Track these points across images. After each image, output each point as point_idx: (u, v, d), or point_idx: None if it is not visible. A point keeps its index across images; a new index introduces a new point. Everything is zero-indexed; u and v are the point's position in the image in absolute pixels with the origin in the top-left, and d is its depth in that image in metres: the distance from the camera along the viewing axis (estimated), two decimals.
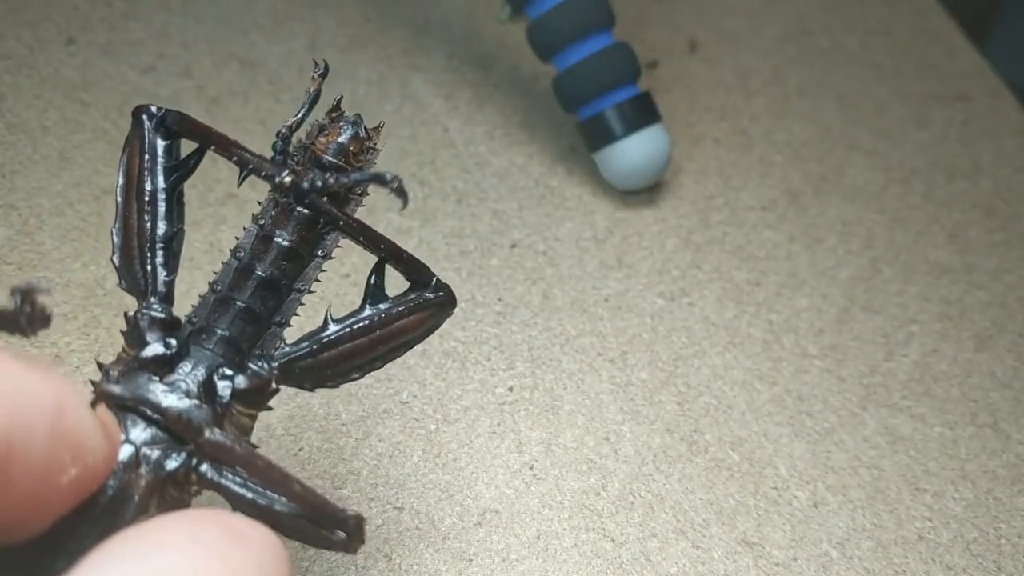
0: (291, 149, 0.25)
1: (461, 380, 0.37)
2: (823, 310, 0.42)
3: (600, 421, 0.37)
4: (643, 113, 0.43)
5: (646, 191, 0.45)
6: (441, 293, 0.26)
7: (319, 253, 0.26)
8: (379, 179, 0.23)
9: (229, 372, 0.23)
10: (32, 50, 0.47)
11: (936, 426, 0.38)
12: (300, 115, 0.25)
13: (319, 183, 0.24)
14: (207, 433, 0.21)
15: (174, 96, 0.46)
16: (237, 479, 0.22)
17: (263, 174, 0.24)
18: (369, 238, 0.25)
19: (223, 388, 0.23)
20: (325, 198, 0.25)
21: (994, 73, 0.53)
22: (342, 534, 0.22)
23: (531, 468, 0.35)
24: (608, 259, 0.42)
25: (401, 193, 0.23)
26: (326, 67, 0.25)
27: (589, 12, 0.43)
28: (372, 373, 0.37)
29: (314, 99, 0.25)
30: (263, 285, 0.25)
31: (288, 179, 0.23)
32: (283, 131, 0.25)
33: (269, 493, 0.22)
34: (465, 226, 0.43)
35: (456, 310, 0.39)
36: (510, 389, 0.37)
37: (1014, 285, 0.44)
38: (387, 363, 0.26)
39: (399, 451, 0.35)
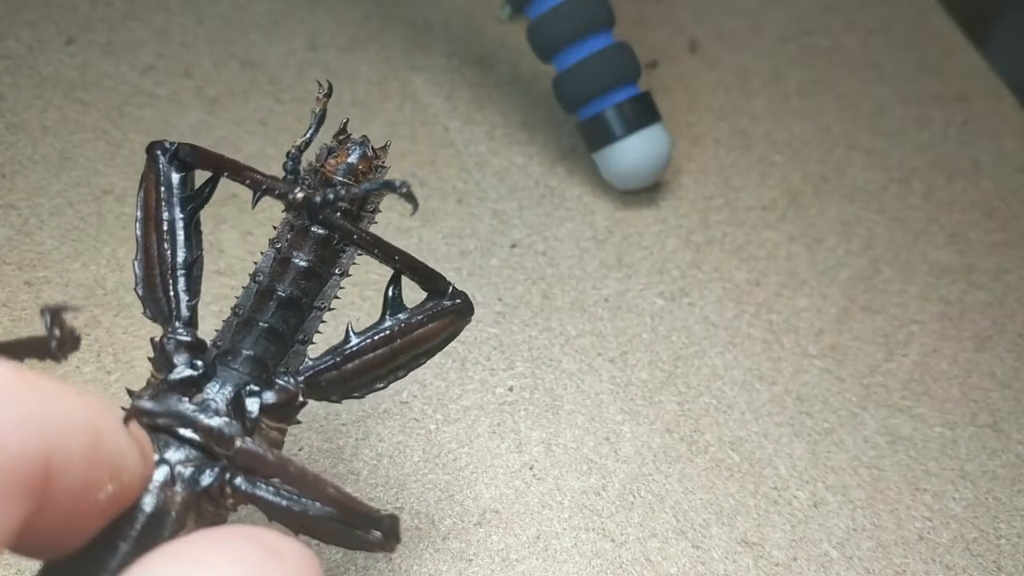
0: (301, 170, 0.26)
1: (461, 380, 0.37)
2: (823, 310, 0.42)
3: (600, 421, 0.37)
4: (643, 113, 0.43)
5: (646, 191, 0.45)
6: (458, 300, 0.26)
7: (336, 271, 0.27)
8: (388, 186, 0.24)
9: (256, 388, 0.24)
10: (32, 50, 0.47)
11: (936, 426, 0.38)
12: (308, 135, 0.26)
13: (331, 196, 0.24)
14: (238, 442, 0.21)
15: (174, 96, 0.46)
16: (271, 489, 0.22)
17: (276, 193, 0.24)
18: (383, 251, 0.26)
19: (251, 404, 0.23)
20: (339, 214, 0.26)
21: (994, 73, 0.53)
22: (378, 534, 0.22)
23: (531, 468, 0.35)
24: (608, 259, 0.42)
25: (410, 198, 0.23)
26: (330, 87, 0.26)
27: (589, 12, 0.43)
28: None
29: (320, 118, 0.26)
30: (284, 305, 0.25)
31: (300, 195, 0.24)
32: (292, 151, 0.25)
33: (303, 500, 0.22)
34: (465, 226, 0.43)
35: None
36: (510, 389, 0.37)
37: (1014, 285, 0.44)
38: (410, 371, 0.27)
39: (399, 451, 0.35)
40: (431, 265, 0.26)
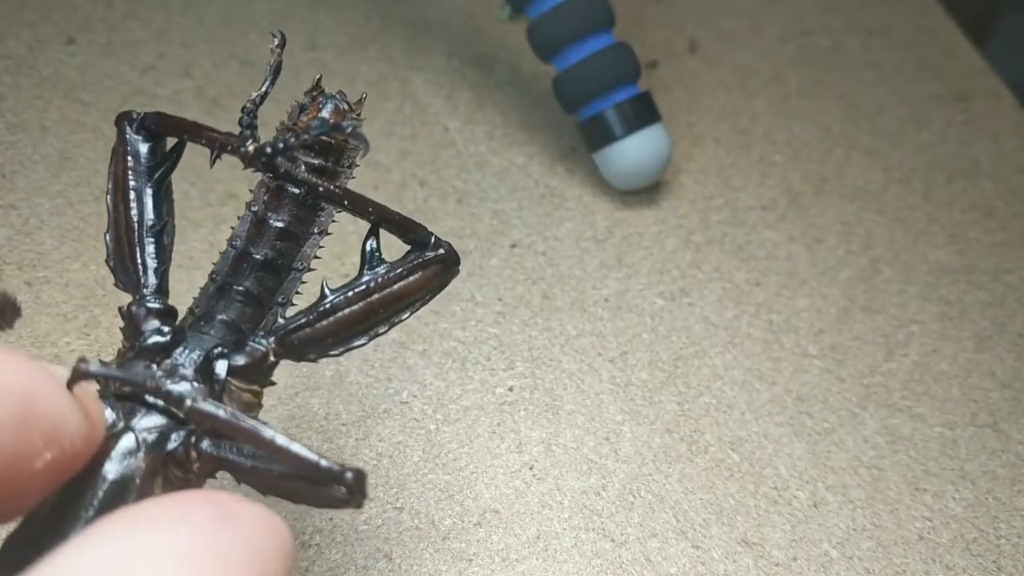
0: (276, 132, 0.25)
1: (461, 380, 0.37)
2: (823, 310, 0.42)
3: (600, 421, 0.37)
4: (643, 113, 0.43)
5: (646, 191, 0.45)
6: (441, 250, 0.25)
7: (314, 230, 0.26)
8: (337, 127, 0.23)
9: (225, 350, 0.23)
10: (32, 50, 0.47)
11: (936, 426, 0.38)
12: (264, 88, 0.25)
13: (280, 144, 0.24)
14: (188, 402, 0.21)
15: (174, 96, 0.46)
16: (235, 450, 0.22)
17: (229, 148, 0.24)
18: (354, 202, 0.25)
19: (219, 366, 0.23)
20: (302, 167, 0.25)
21: (994, 73, 0.53)
22: (343, 490, 0.21)
23: (531, 468, 0.35)
24: (608, 259, 0.42)
25: (357, 136, 0.23)
26: (283, 37, 0.25)
27: (589, 12, 0.43)
28: (372, 373, 0.37)
29: (275, 70, 0.25)
30: (260, 267, 0.25)
31: (252, 147, 0.24)
32: (248, 106, 0.25)
33: (268, 460, 0.22)
34: (465, 226, 0.43)
35: (457, 308, 0.39)
36: (510, 389, 0.37)
37: (1014, 285, 0.44)
38: (392, 327, 0.26)
39: (399, 451, 0.35)
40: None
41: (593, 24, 0.43)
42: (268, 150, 0.24)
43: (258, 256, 0.25)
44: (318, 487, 0.21)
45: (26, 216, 0.40)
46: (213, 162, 0.25)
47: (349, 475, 0.21)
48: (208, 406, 0.21)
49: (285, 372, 0.36)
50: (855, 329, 0.41)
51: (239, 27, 0.50)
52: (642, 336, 0.40)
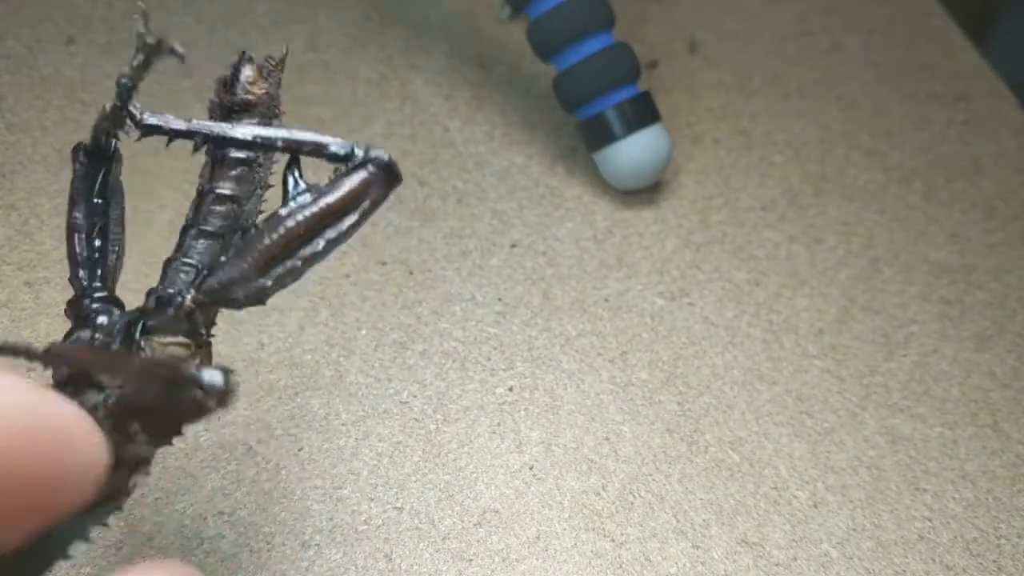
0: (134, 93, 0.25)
1: (461, 380, 0.37)
2: (823, 310, 0.42)
3: (600, 421, 0.37)
4: (643, 113, 0.43)
5: (646, 191, 0.45)
6: (367, 154, 0.23)
7: (254, 188, 0.26)
8: (147, 48, 0.23)
9: (142, 317, 0.24)
10: (32, 50, 0.47)
11: (936, 426, 0.38)
12: (133, 61, 0.24)
13: (123, 80, 0.23)
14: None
15: (174, 96, 0.46)
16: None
17: (101, 118, 0.24)
18: (254, 137, 0.24)
19: (137, 329, 0.23)
20: (194, 120, 0.24)
21: (994, 73, 0.53)
22: (200, 393, 0.19)
23: (531, 468, 0.35)
24: (608, 259, 0.42)
25: (162, 50, 0.22)
26: (145, 14, 0.24)
27: (589, 12, 0.43)
28: (372, 373, 0.37)
29: (142, 39, 0.23)
30: (207, 236, 0.25)
31: (108, 105, 0.24)
32: (121, 80, 0.24)
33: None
34: (465, 226, 0.43)
35: (457, 308, 0.39)
36: (510, 389, 0.37)
37: (1014, 285, 0.44)
38: (331, 246, 0.23)
39: (399, 451, 0.35)
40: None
41: (593, 24, 0.43)
42: (120, 95, 0.23)
43: (205, 227, 0.25)
44: (177, 395, 0.20)
45: (26, 216, 0.40)
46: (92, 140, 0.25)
47: (206, 376, 0.19)
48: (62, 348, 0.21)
49: (284, 372, 0.36)
50: (855, 329, 0.41)
51: (239, 27, 0.50)
52: (642, 336, 0.40)
